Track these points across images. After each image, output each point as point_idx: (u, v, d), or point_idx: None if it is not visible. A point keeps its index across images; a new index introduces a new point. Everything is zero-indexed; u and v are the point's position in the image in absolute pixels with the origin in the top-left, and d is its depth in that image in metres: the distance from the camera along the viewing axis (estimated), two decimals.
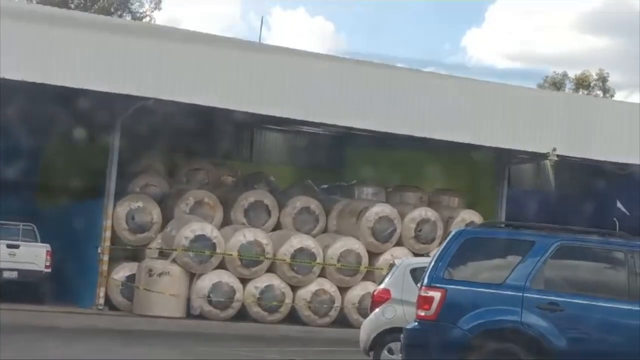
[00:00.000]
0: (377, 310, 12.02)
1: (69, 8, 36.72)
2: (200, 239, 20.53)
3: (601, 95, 51.53)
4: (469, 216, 22.91)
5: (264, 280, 21.06)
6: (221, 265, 20.90)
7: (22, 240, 21.06)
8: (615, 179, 25.38)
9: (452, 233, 9.71)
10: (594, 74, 51.55)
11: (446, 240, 9.63)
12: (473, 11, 77.69)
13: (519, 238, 9.59)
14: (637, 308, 9.08)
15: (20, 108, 20.75)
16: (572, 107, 23.37)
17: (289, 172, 26.48)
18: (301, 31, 73.57)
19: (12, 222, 21.36)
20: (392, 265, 13.74)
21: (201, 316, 20.54)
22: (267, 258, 21.01)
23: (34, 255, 20.77)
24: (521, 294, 9.14)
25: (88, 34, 19.56)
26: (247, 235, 21.01)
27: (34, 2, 37.89)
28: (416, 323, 9.43)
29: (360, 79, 22.20)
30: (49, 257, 20.80)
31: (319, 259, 21.35)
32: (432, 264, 9.50)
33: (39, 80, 18.98)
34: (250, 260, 20.86)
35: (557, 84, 49.59)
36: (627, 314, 9.10)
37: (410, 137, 22.60)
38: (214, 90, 20.72)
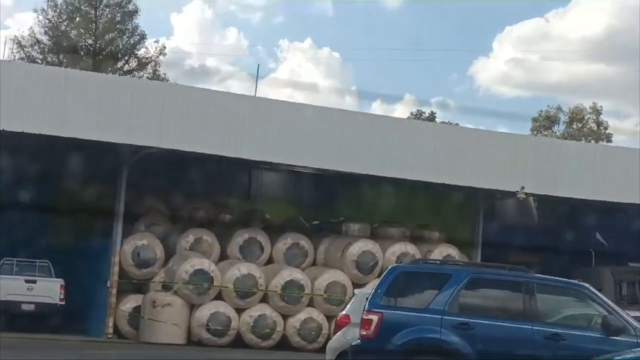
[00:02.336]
0: (339, 332, 14.68)
1: (79, 54, 39.56)
2: (199, 273, 23.21)
3: (595, 127, 53.97)
4: (445, 250, 25.52)
5: (258, 310, 23.68)
6: (218, 297, 23.51)
7: (38, 276, 23.74)
8: (595, 212, 27.93)
9: (389, 268, 12.45)
10: (587, 107, 53.95)
11: (384, 274, 12.35)
12: (480, 41, 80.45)
13: (439, 272, 12.33)
14: (530, 327, 11.75)
15: (36, 157, 23.58)
16: (540, 149, 26.07)
17: (284, 209, 29.13)
18: (308, 62, 76.55)
19: (29, 260, 24.12)
20: (353, 295, 16.39)
21: (200, 343, 23.17)
22: (259, 290, 23.68)
23: (50, 290, 23.43)
24: (440, 317, 11.83)
25: (97, 92, 22.46)
26: (241, 269, 23.71)
27: (46, 49, 40.69)
28: (359, 340, 12.15)
29: (346, 126, 25.01)
30: (62, 291, 23.47)
31: (307, 290, 23.99)
32: (372, 292, 12.22)
33: (53, 133, 21.76)
34: (245, 292, 23.51)
35: (551, 117, 52.10)
36: (523, 332, 11.78)
37: (393, 179, 25.36)
38: (211, 139, 23.48)
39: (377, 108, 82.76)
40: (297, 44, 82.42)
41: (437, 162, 25.43)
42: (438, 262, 12.80)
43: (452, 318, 11.80)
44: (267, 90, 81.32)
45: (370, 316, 11.95)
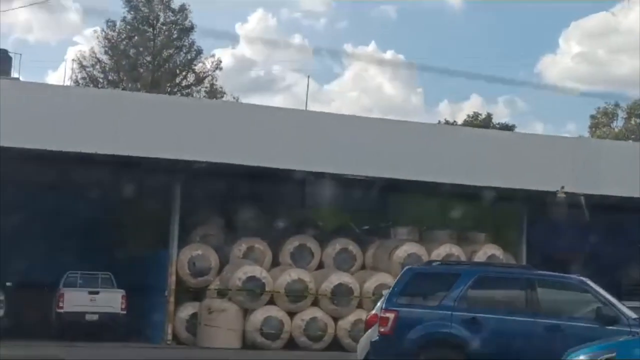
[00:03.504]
0: (369, 331, 16.06)
1: (138, 72, 41.62)
2: (252, 279, 24.82)
3: None
4: (490, 250, 26.78)
5: (309, 313, 25.19)
6: (271, 302, 25.10)
7: (101, 287, 25.65)
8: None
9: (404, 269, 13.85)
10: None
11: (399, 275, 13.74)
12: (546, 37, 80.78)
13: (450, 272, 13.70)
14: (532, 319, 13.03)
15: (96, 175, 25.43)
16: (580, 149, 27.11)
17: (335, 215, 30.59)
18: (373, 65, 77.93)
19: (92, 272, 26.04)
20: (382, 295, 17.75)
21: (255, 346, 24.75)
22: (310, 294, 25.19)
23: (112, 300, 25.25)
24: (450, 312, 13.19)
25: (152, 110, 24.26)
26: (292, 274, 25.27)
27: (107, 68, 42.81)
28: (378, 337, 13.55)
29: (392, 134, 26.45)
30: (124, 301, 25.29)
31: (356, 293, 25.42)
32: (389, 292, 13.63)
33: (109, 152, 23.58)
34: (296, 296, 25.05)
35: (608, 114, 52.58)
36: (526, 324, 13.06)
37: (439, 183, 26.67)
38: (263, 152, 25.05)
39: (443, 109, 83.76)
40: (362, 48, 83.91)
41: (480, 166, 26.67)
42: (449, 263, 14.12)
43: (461, 314, 13.16)
44: (333, 95, 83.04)
45: (387, 314, 13.38)
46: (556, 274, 13.79)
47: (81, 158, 23.56)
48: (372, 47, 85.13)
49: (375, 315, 16.31)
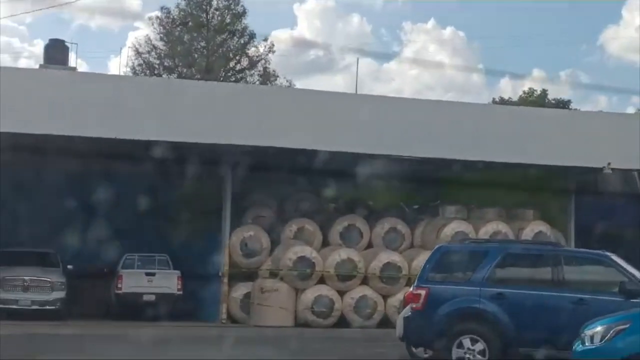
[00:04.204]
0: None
1: (192, 57, 42.67)
2: (302, 260, 25.72)
3: None
4: (537, 227, 27.30)
5: (359, 292, 26.00)
6: (321, 281, 25.97)
7: (158, 269, 26.77)
8: None
9: (435, 248, 14.56)
10: None
11: (431, 253, 14.47)
12: (609, 9, 79.93)
13: (478, 249, 14.38)
14: (557, 294, 13.66)
15: (150, 161, 26.48)
16: (624, 125, 27.40)
17: (386, 195, 31.30)
18: (433, 43, 78.17)
19: (149, 254, 27.18)
20: None
21: (306, 325, 25.64)
22: (359, 273, 26.00)
23: (168, 281, 26.33)
24: (479, 288, 13.88)
25: (202, 98, 25.23)
26: (341, 254, 26.10)
27: (162, 55, 43.88)
28: (410, 312, 14.31)
29: (440, 115, 27.07)
30: (179, 282, 26.36)
31: (405, 272, 26.15)
32: (421, 270, 14.36)
33: (164, 139, 24.59)
34: (345, 275, 25.88)
35: None
36: (551, 298, 13.71)
37: (487, 162, 27.24)
38: (314, 135, 25.85)
39: (505, 85, 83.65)
40: (421, 25, 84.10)
41: (528, 144, 27.14)
42: (478, 240, 14.82)
43: (489, 289, 13.85)
44: (393, 73, 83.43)
45: (419, 291, 14.15)
46: (581, 249, 14.41)
47: (137, 145, 24.62)
48: (431, 24, 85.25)
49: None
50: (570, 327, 13.13)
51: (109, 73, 49.32)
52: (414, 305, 14.14)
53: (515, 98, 54.55)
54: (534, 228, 27.14)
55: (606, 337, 11.32)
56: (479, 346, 13.83)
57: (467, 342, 13.86)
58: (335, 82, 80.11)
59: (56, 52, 33.35)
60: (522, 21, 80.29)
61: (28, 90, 23.91)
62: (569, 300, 13.57)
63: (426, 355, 15.73)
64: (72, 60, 35.38)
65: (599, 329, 11.47)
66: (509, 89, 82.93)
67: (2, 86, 23.08)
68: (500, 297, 13.71)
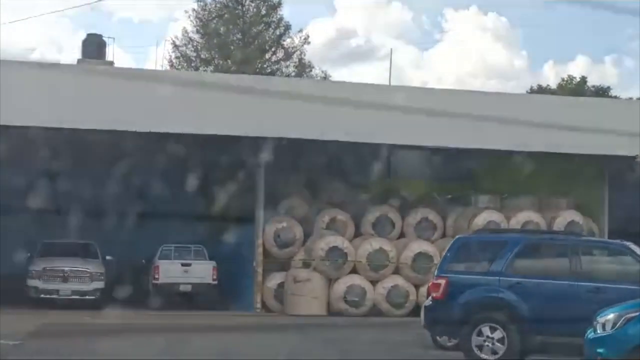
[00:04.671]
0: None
1: (229, 49, 43.27)
2: (334, 250, 26.19)
3: None
4: (570, 216, 27.51)
5: (391, 281, 26.42)
6: (354, 271, 26.43)
7: (194, 259, 27.43)
8: None
9: (454, 239, 14.96)
10: None
11: (450, 244, 14.87)
12: None
13: (497, 239, 14.76)
14: (575, 283, 14.01)
15: (188, 154, 27.10)
16: None
17: (419, 185, 31.68)
18: (475, 29, 78.07)
19: (185, 245, 27.85)
20: None
21: (339, 314, 26.11)
22: (391, 262, 26.43)
23: (203, 271, 26.99)
24: (498, 278, 14.26)
25: (236, 94, 25.75)
26: (373, 244, 26.54)
27: (199, 47, 44.48)
28: (431, 302, 14.73)
29: (474, 105, 27.36)
30: (215, 272, 27.00)
31: (436, 261, 26.43)
32: (441, 260, 14.77)
33: (202, 132, 25.15)
34: (377, 265, 26.33)
35: None
36: (569, 287, 14.06)
37: (520, 151, 27.53)
38: (348, 126, 26.29)
39: (548, 70, 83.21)
40: (462, 12, 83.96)
41: (561, 133, 27.34)
42: (498, 231, 15.21)
43: (508, 279, 14.23)
44: (434, 61, 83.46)
45: (439, 280, 14.57)
46: (600, 239, 14.73)
47: (172, 138, 25.25)
48: (472, 10, 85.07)
49: None
50: (588, 315, 13.43)
51: (149, 65, 50.08)
52: (434, 295, 14.55)
53: (556, 85, 54.47)
54: (566, 217, 27.37)
55: (617, 325, 11.65)
56: (498, 334, 14.23)
57: (486, 330, 14.26)
58: (375, 71, 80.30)
59: (93, 46, 34.12)
60: (566, 5, 79.75)
61: (67, 85, 24.65)
62: (586, 289, 13.89)
63: (450, 343, 16.14)
64: (110, 54, 36.15)
65: (610, 316, 11.81)
66: (552, 75, 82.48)
67: (44, 82, 23.92)
68: (518, 286, 14.08)
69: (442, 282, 14.39)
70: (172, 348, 17.56)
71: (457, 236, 15.01)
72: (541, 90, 52.03)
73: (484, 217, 27.19)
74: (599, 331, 11.88)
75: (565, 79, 54.09)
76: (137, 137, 24.97)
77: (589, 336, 12.02)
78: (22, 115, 23.42)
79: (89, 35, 35.32)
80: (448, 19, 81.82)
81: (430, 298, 14.82)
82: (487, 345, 14.33)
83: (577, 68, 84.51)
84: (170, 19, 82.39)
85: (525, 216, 27.42)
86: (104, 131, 24.45)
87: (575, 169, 29.21)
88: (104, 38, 34.42)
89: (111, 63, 34.00)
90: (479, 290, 14.29)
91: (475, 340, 14.31)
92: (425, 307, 14.96)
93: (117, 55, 79.03)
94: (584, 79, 52.88)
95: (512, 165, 29.75)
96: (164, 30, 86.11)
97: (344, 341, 19.23)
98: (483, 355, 14.33)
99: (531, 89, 54.33)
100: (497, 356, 14.25)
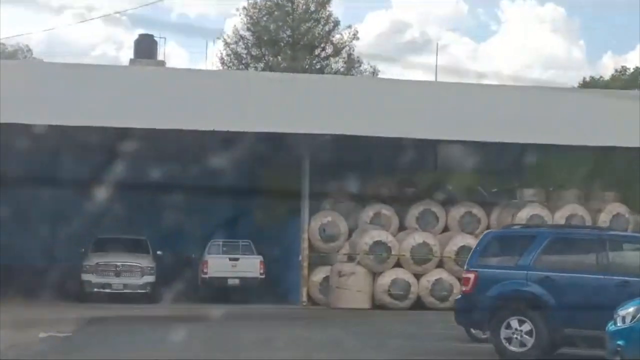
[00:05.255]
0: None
1: (279, 46, 43.85)
2: (378, 244, 26.59)
3: None
4: (615, 209, 27.56)
5: (435, 275, 26.73)
6: (397, 264, 26.82)
7: (241, 254, 28.04)
8: None
9: (484, 234, 15.28)
10: None
11: (480, 238, 15.20)
12: None
13: (525, 234, 15.05)
14: (602, 276, 14.26)
15: (235, 151, 27.68)
16: None
17: (465, 179, 31.87)
18: (531, 20, 77.54)
19: (234, 240, 28.48)
20: None
21: (384, 307, 26.52)
22: (434, 256, 26.75)
23: (251, 265, 27.57)
24: (526, 272, 14.57)
25: (281, 88, 26.31)
26: (416, 238, 26.89)
27: (249, 44, 45.11)
28: (460, 295, 15.09)
29: (529, 101, 27.60)
30: (262, 266, 27.56)
31: None
32: (470, 254, 15.12)
33: (248, 129, 25.71)
34: (421, 259, 26.67)
35: None
36: (596, 281, 14.32)
37: (566, 145, 27.67)
38: (393, 121, 26.67)
39: (607, 60, 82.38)
40: (519, 3, 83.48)
41: (609, 126, 27.43)
42: (527, 226, 15.50)
43: (536, 273, 14.53)
44: (490, 53, 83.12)
45: (468, 274, 14.92)
46: (627, 233, 14.93)
47: (219, 136, 25.90)
48: (529, 1, 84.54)
49: None
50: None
51: (202, 63, 50.75)
52: (464, 288, 14.91)
53: (610, 77, 54.04)
54: (612, 210, 27.44)
55: (636, 317, 11.92)
56: (527, 327, 14.55)
57: (514, 323, 14.59)
58: (432, 63, 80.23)
59: (145, 46, 34.91)
60: None
61: (118, 85, 25.43)
62: (613, 282, 14.13)
63: (484, 336, 16.47)
64: (162, 53, 36.96)
65: (630, 309, 12.08)
66: (610, 65, 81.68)
67: (95, 83, 24.76)
68: (547, 280, 14.37)
69: (472, 276, 14.74)
70: (216, 340, 18.12)
71: (486, 231, 15.33)
72: (593, 82, 51.73)
73: (528, 211, 27.36)
74: (619, 324, 12.15)
75: (619, 70, 53.70)
76: (184, 135, 25.65)
77: (610, 329, 12.30)
78: (88, 115, 24.32)
79: (140, 35, 36.15)
80: (504, 10, 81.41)
81: (460, 292, 15.18)
82: (516, 338, 14.66)
83: (637, 59, 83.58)
84: (227, 14, 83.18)
85: (570, 210, 27.54)
86: (157, 130, 25.16)
87: (622, 161, 29.19)
88: (155, 38, 35.18)
89: (163, 63, 34.78)
90: (507, 284, 14.60)
91: (504, 332, 14.66)
92: (455, 300, 15.31)
93: (174, 52, 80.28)
94: (638, 70, 52.37)
95: (557, 159, 29.90)
96: (220, 25, 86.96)
97: (378, 333, 19.66)
98: (512, 348, 14.68)
99: (584, 80, 54.04)
100: (525, 348, 14.58)
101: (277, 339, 18.19)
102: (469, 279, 14.79)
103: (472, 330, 16.74)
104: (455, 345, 17.01)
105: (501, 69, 78.67)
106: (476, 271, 14.77)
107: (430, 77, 42.88)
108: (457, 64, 74.95)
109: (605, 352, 12.53)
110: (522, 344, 14.65)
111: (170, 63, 55.30)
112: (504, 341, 14.69)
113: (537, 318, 14.48)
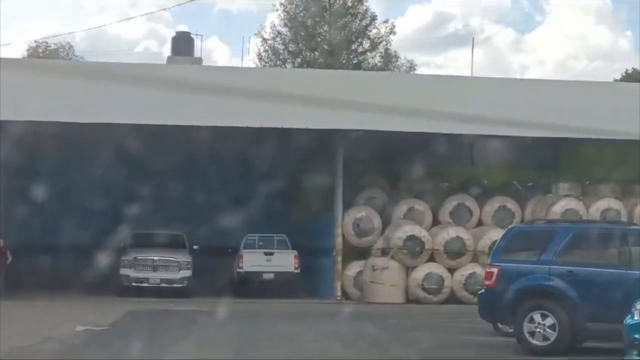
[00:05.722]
0: None
1: (316, 41, 44.16)
2: (412, 238, 26.79)
3: None
4: None
5: (468, 269, 26.87)
6: (431, 259, 27.03)
7: (276, 249, 28.42)
8: None
9: (507, 229, 15.48)
10: None
11: (503, 233, 15.40)
12: None
13: (547, 229, 15.21)
14: (625, 271, 14.40)
15: (270, 147, 28.06)
16: None
17: (501, 173, 31.95)
18: (575, 11, 76.95)
19: (269, 235, 28.86)
20: None
21: (417, 301, 26.75)
22: (468, 250, 26.92)
23: (285, 260, 27.95)
24: (549, 267, 14.76)
25: (314, 83, 26.60)
26: (450, 232, 27.07)
27: (287, 40, 45.47)
28: (484, 289, 15.31)
29: (565, 95, 27.68)
30: (296, 261, 27.91)
31: None
32: (494, 249, 15.33)
33: (282, 125, 26.06)
34: (455, 253, 26.86)
35: None
36: (618, 275, 14.46)
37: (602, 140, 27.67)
38: (427, 117, 26.82)
39: None
40: None
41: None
42: (550, 221, 15.69)
43: (559, 267, 14.71)
44: (535, 44, 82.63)
45: (492, 269, 15.13)
46: None
47: (253, 132, 26.29)
48: None
49: None
50: None
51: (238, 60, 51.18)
52: (487, 283, 15.14)
53: None
54: None
55: None
56: (549, 321, 14.73)
57: (537, 317, 14.77)
58: (474, 55, 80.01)
59: (183, 44, 35.41)
60: None
61: (154, 83, 25.88)
62: (636, 277, 14.26)
63: (511, 330, 16.66)
64: (199, 50, 37.42)
65: None
66: None
67: (128, 81, 25.19)
68: (569, 275, 14.54)
69: (495, 270, 14.96)
70: (250, 334, 18.48)
71: (510, 226, 15.55)
72: (635, 74, 51.36)
73: (562, 205, 27.41)
74: (636, 317, 12.29)
75: None
76: (220, 131, 26.06)
77: (628, 322, 12.44)
78: (123, 113, 24.85)
79: (178, 32, 36.69)
80: (549, 1, 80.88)
81: (484, 286, 15.40)
82: (539, 332, 14.84)
83: None
84: (267, 10, 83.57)
85: (604, 204, 27.54)
86: (194, 126, 25.60)
87: None
88: (192, 35, 35.68)
89: (199, 60, 35.23)
90: (530, 279, 14.79)
91: (527, 327, 14.85)
92: (479, 294, 15.54)
93: (215, 47, 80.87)
94: None
95: (594, 153, 29.88)
96: (262, 20, 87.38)
97: (405, 327, 19.93)
98: (535, 342, 14.86)
99: (626, 72, 53.68)
100: (548, 342, 14.76)
101: (308, 332, 18.54)
102: (492, 273, 15.01)
103: (499, 325, 16.93)
104: (481, 340, 17.23)
105: (545, 60, 78.25)
106: (499, 266, 14.98)
107: (473, 71, 43.03)
108: (500, 56, 74.74)
109: (623, 346, 12.68)
110: (545, 338, 14.82)
111: (210, 59, 55.92)
112: (527, 335, 14.88)
113: (559, 312, 14.64)
